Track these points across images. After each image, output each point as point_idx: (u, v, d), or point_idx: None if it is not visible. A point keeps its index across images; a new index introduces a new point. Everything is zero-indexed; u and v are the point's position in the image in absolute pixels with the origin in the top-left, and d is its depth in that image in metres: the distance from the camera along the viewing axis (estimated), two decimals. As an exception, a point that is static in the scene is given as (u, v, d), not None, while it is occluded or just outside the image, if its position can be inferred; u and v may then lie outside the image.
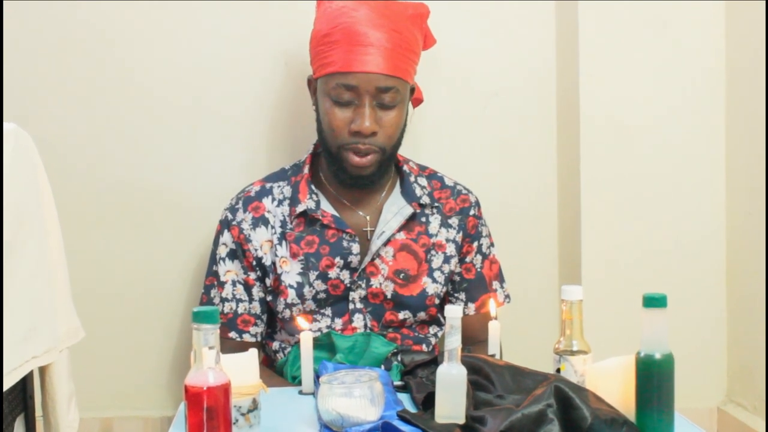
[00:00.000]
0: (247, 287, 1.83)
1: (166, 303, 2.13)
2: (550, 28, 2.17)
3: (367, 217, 1.85)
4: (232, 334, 1.82)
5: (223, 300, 1.82)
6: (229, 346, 1.76)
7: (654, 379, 1.26)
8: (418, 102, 2.00)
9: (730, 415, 2.10)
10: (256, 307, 1.83)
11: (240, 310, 1.82)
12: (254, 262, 1.82)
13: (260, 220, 1.83)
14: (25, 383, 1.42)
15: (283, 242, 1.81)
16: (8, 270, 1.25)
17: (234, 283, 1.83)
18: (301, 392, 1.56)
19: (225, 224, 1.85)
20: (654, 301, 1.26)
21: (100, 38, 2.06)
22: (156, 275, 2.12)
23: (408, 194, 1.86)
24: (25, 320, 1.30)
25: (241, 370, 1.31)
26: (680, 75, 2.09)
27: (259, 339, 1.85)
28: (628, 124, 2.09)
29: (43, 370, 1.39)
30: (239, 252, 1.83)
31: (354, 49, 1.73)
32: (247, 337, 1.83)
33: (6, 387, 1.25)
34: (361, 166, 1.77)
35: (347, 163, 1.78)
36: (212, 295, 1.84)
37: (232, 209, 1.85)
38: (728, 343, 2.15)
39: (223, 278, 1.83)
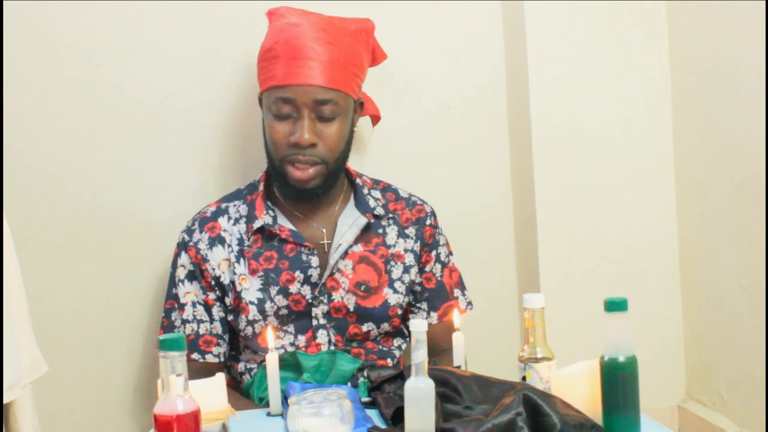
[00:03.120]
0: (207, 307, 1.82)
1: (124, 329, 2.09)
2: (498, 40, 2.20)
3: (323, 230, 1.86)
4: (195, 356, 1.81)
5: (184, 321, 1.82)
6: (192, 367, 1.74)
7: (619, 381, 1.28)
8: (376, 119, 2.02)
9: (690, 412, 2.14)
10: (218, 327, 1.83)
11: (201, 331, 1.82)
12: (213, 282, 1.82)
13: (217, 240, 1.83)
14: (-12, 421, 1.39)
15: (241, 260, 1.81)
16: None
17: (194, 304, 1.82)
18: (269, 414, 1.55)
19: (182, 246, 1.85)
20: (615, 305, 1.29)
21: (49, 65, 2.03)
22: (113, 302, 2.08)
23: (361, 206, 1.88)
24: (-14, 357, 1.28)
25: (209, 395, 1.31)
26: (627, 81, 2.13)
27: (222, 359, 1.84)
28: (579, 132, 2.12)
29: (6, 407, 1.36)
30: (197, 272, 1.82)
31: (292, 63, 1.76)
32: (209, 358, 1.82)
33: (-30, 426, 1.23)
34: (303, 180, 1.79)
35: (289, 177, 1.80)
36: (173, 318, 1.83)
37: (189, 231, 1.85)
38: (685, 343, 2.19)
39: (183, 300, 1.82)
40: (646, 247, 2.16)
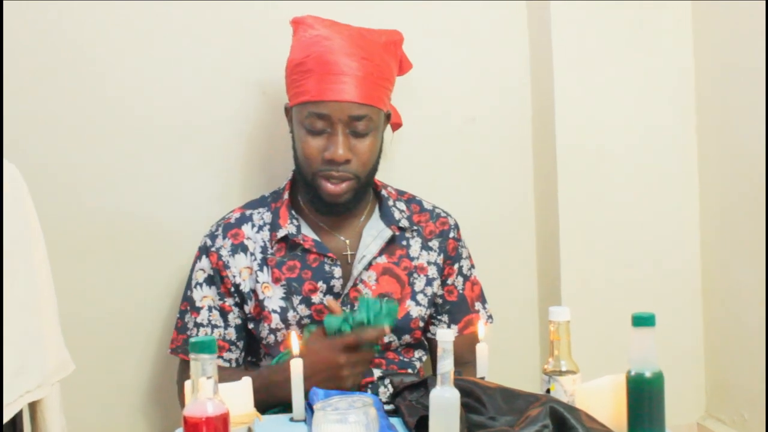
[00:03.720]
0: (223, 313, 1.83)
1: (144, 332, 2.10)
2: (524, 53, 2.21)
3: (347, 241, 1.86)
4: None
5: (198, 325, 1.82)
6: None
7: (645, 397, 1.28)
8: (397, 126, 2.03)
9: (709, 430, 2.13)
10: (231, 333, 1.83)
11: (214, 336, 1.81)
12: (232, 289, 1.82)
13: (239, 247, 1.84)
14: (14, 420, 1.40)
15: (265, 268, 1.82)
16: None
17: (210, 309, 1.83)
18: (292, 419, 1.56)
19: (203, 250, 1.85)
20: (643, 320, 1.29)
21: (73, 68, 2.04)
22: (133, 304, 2.09)
23: (387, 218, 1.88)
24: (17, 355, 1.29)
25: (236, 399, 1.31)
26: (652, 94, 2.14)
27: (233, 365, 1.85)
28: (603, 144, 2.13)
29: (34, 405, 1.37)
30: (217, 278, 1.83)
31: (326, 78, 1.75)
32: (220, 362, 1.82)
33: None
34: (336, 194, 1.79)
35: (322, 191, 1.80)
36: (186, 320, 1.84)
37: (212, 236, 1.86)
38: (706, 360, 2.18)
39: (198, 303, 1.83)
40: (668, 262, 2.16)
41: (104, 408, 2.08)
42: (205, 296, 1.83)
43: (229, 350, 1.83)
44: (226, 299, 1.83)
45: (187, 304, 1.85)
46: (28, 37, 2.00)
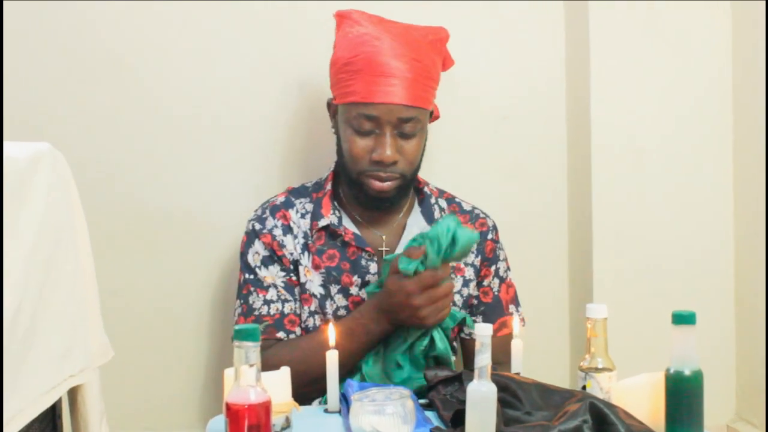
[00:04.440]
0: (290, 287, 1.83)
1: (182, 321, 2.13)
2: (560, 52, 2.21)
3: (383, 237, 1.87)
4: (281, 335, 1.80)
5: (267, 302, 1.81)
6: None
7: (684, 395, 1.27)
8: (435, 118, 2.03)
9: (739, 433, 2.13)
10: (299, 308, 1.83)
11: (286, 310, 1.81)
12: (292, 266, 1.83)
13: (288, 229, 1.85)
14: (53, 405, 1.41)
15: (306, 253, 1.83)
16: (47, 289, 1.26)
17: (276, 286, 1.82)
18: (326, 411, 1.57)
19: (254, 234, 1.85)
20: (683, 319, 1.28)
21: (117, 62, 2.07)
22: (173, 295, 2.12)
23: (428, 215, 1.89)
24: (63, 339, 1.30)
25: (275, 388, 1.31)
26: (687, 95, 2.13)
27: None
28: (639, 146, 2.12)
29: (74, 390, 1.39)
30: (275, 257, 1.83)
31: (376, 80, 1.75)
32: (293, 338, 1.82)
33: (46, 406, 1.25)
34: (383, 191, 1.80)
35: (368, 188, 1.80)
36: (251, 301, 1.82)
37: (260, 219, 1.86)
38: (737, 362, 2.17)
39: (265, 283, 1.82)
40: (701, 262, 2.15)
41: (141, 395, 2.11)
42: (266, 276, 1.83)
43: (299, 326, 1.83)
44: (291, 274, 1.83)
45: (249, 286, 1.82)
46: (67, 35, 2.04)
